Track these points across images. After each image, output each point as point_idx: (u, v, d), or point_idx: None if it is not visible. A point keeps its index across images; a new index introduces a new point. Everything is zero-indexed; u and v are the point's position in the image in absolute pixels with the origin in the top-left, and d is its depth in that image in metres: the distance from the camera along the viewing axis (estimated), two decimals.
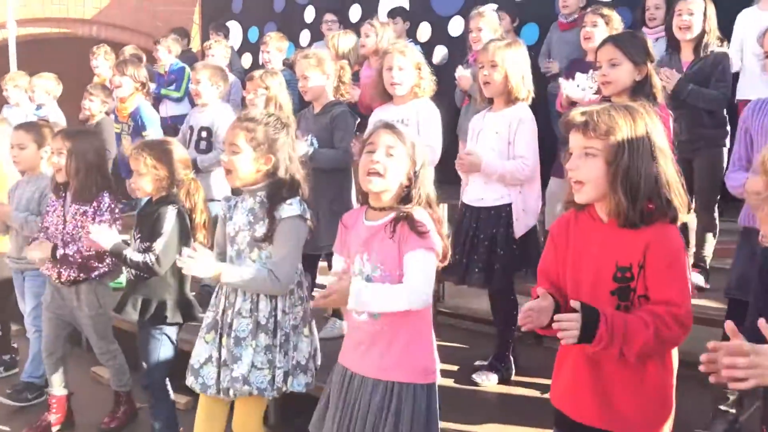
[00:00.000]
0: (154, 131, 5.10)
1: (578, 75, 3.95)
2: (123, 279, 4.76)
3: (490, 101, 3.36)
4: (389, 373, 2.24)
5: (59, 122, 6.15)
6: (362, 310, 2.22)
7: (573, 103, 3.51)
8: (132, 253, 2.99)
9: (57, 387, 3.72)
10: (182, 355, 3.08)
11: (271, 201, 2.58)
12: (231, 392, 2.60)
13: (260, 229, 2.59)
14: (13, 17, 8.35)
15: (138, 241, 3.06)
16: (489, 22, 4.70)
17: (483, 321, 4.15)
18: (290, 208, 2.57)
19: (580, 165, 1.88)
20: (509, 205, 3.27)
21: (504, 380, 3.39)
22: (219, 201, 3.25)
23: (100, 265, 3.46)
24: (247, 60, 8.20)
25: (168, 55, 6.51)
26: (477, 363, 3.53)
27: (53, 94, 6.34)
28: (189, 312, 3.12)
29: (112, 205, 3.43)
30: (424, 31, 6.76)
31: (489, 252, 3.25)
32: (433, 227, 2.22)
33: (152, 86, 6.11)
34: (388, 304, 2.17)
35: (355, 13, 7.23)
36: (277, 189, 2.60)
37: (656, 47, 4.17)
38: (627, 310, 1.86)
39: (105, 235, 2.99)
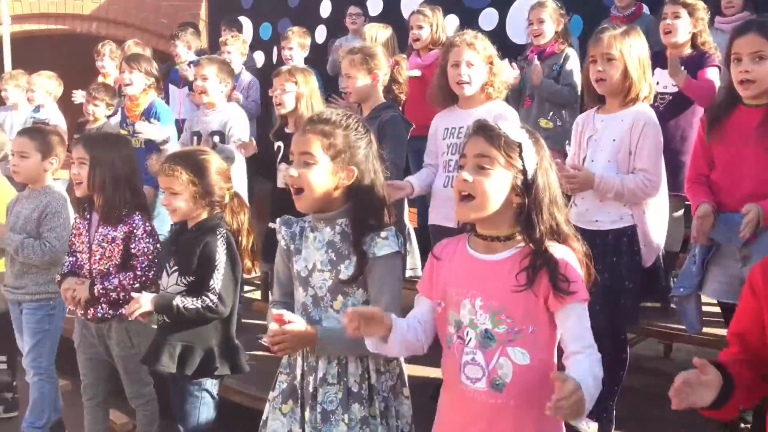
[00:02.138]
0: (169, 129, 4.61)
1: (658, 71, 3.50)
2: None
3: (600, 100, 2.86)
4: None
5: (60, 125, 5.73)
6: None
7: None
8: (185, 301, 2.48)
9: None
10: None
11: (357, 232, 2.04)
12: None
13: (346, 271, 2.04)
14: (7, 12, 7.91)
15: (176, 274, 2.56)
16: (552, 14, 4.28)
17: None
18: (386, 244, 2.02)
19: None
20: (632, 227, 2.77)
21: None
22: None
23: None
24: (259, 58, 7.75)
25: (187, 51, 5.97)
26: None
27: (54, 94, 5.95)
28: (236, 361, 2.61)
29: (150, 228, 2.96)
30: (452, 24, 6.31)
31: (611, 286, 2.74)
32: (579, 272, 1.74)
33: None
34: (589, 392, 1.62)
35: (375, 6, 6.79)
36: (363, 215, 2.05)
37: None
38: None
39: (143, 298, 2.50)
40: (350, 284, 2.05)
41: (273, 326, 1.95)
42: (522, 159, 1.74)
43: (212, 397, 2.61)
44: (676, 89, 3.61)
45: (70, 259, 3.13)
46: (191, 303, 2.47)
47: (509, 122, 1.80)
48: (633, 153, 2.74)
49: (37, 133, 3.53)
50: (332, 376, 2.07)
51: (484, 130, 1.78)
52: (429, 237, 3.33)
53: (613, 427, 2.93)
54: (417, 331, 1.87)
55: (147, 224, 2.99)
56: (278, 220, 2.23)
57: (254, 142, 3.84)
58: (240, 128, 4.15)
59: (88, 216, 3.05)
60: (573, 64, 4.30)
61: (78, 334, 3.19)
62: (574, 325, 1.72)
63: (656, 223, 2.82)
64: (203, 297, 2.47)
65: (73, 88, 6.08)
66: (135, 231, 2.94)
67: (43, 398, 3.48)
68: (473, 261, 1.82)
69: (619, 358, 2.88)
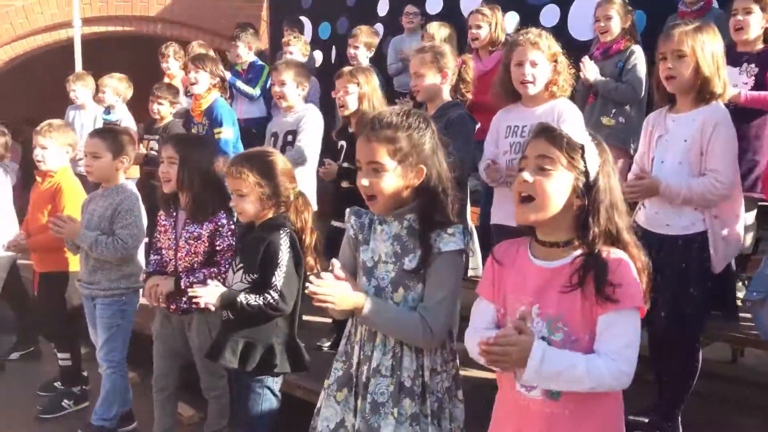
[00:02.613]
0: (230, 130, 4.69)
1: (728, 68, 3.39)
2: None
3: (670, 99, 2.79)
4: None
5: (131, 127, 5.90)
6: (540, 385, 1.68)
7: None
8: (248, 297, 2.53)
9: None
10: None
11: (425, 227, 2.04)
12: None
13: (410, 263, 2.05)
14: (79, 15, 8.12)
15: (241, 271, 2.62)
16: (620, 10, 4.20)
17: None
18: (452, 240, 2.00)
19: None
20: (702, 233, 2.68)
21: None
22: None
23: None
24: (318, 57, 7.81)
25: (248, 52, 6.00)
26: (631, 417, 2.88)
27: (123, 96, 6.10)
28: (299, 360, 2.64)
29: (233, 226, 3.03)
30: (512, 21, 6.23)
31: (678, 291, 2.67)
32: (633, 278, 1.68)
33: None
34: (578, 380, 1.62)
35: (434, 5, 6.75)
36: (431, 211, 2.04)
37: None
38: None
39: (208, 292, 2.56)
40: (413, 276, 2.04)
41: (325, 274, 1.95)
42: (584, 160, 1.72)
43: (274, 394, 2.65)
44: (747, 86, 3.50)
45: (155, 257, 3.22)
46: (254, 300, 2.52)
47: (572, 125, 1.79)
48: (705, 153, 2.65)
49: (108, 133, 3.65)
50: (386, 368, 2.06)
51: (546, 131, 1.76)
52: (491, 236, 3.31)
53: None
54: None
55: (231, 222, 3.07)
56: (348, 210, 2.24)
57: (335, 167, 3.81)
58: (310, 131, 4.19)
59: (174, 214, 3.13)
60: (637, 60, 4.20)
61: (158, 325, 3.28)
62: (613, 332, 1.67)
63: (730, 226, 2.72)
64: (265, 294, 2.52)
65: (140, 88, 6.25)
66: (220, 229, 3.02)
67: (114, 391, 3.60)
68: (532, 268, 1.80)
69: (688, 365, 2.81)
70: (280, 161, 2.67)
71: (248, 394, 2.61)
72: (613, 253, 1.71)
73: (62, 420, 3.99)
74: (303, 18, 8.07)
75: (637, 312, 1.70)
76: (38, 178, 4.05)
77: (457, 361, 2.18)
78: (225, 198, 3.03)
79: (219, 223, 3.03)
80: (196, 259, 3.05)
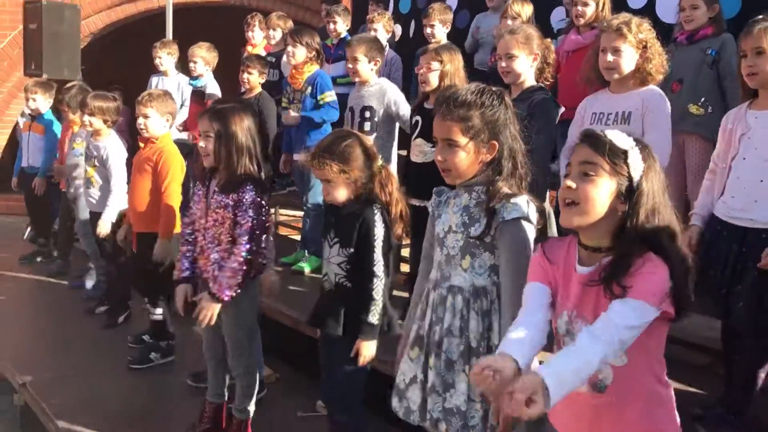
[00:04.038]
0: (332, 93, 4.87)
1: None
2: (305, 264, 4.58)
3: (753, 95, 2.77)
4: None
5: (216, 93, 6.12)
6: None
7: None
8: (374, 307, 2.68)
9: (212, 394, 3.42)
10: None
11: (490, 197, 2.15)
12: (443, 426, 2.20)
13: (475, 231, 2.19)
14: None
15: (337, 246, 2.75)
16: None
17: (706, 350, 3.44)
18: (515, 208, 2.10)
19: None
20: None
21: None
22: None
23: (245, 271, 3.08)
24: (397, 31, 7.83)
25: (343, 26, 6.07)
26: (697, 410, 2.91)
27: (212, 64, 6.27)
28: (390, 326, 2.78)
29: (258, 200, 3.06)
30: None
31: (759, 284, 2.65)
32: (656, 279, 1.68)
33: None
34: (585, 371, 1.62)
35: None
36: (498, 181, 2.16)
37: None
38: None
39: (366, 349, 2.71)
40: (478, 244, 2.17)
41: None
42: (628, 166, 1.74)
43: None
44: None
45: (188, 247, 3.28)
46: (376, 303, 2.67)
47: (616, 131, 1.79)
48: None
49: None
50: (456, 329, 2.20)
51: (589, 138, 1.80)
52: None
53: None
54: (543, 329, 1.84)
55: (257, 196, 3.05)
56: (434, 189, 2.39)
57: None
58: (402, 102, 4.36)
59: (207, 183, 3.21)
60: (733, 50, 4.08)
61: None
62: (615, 308, 1.66)
63: None
64: (373, 282, 2.66)
65: (227, 57, 6.45)
66: (243, 200, 3.02)
67: None
68: (575, 275, 1.84)
69: (761, 360, 2.80)
70: (358, 144, 2.73)
71: (345, 360, 2.74)
72: (647, 256, 1.70)
73: (148, 371, 4.29)
74: None
75: (650, 306, 1.67)
76: (141, 144, 4.28)
77: None
78: (259, 169, 3.12)
79: (243, 196, 3.03)
80: (222, 229, 3.08)
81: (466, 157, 2.18)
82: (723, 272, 2.75)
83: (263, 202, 3.10)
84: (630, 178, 1.74)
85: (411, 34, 7.48)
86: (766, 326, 2.74)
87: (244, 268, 3.04)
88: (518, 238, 2.13)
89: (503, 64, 3.36)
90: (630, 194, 1.73)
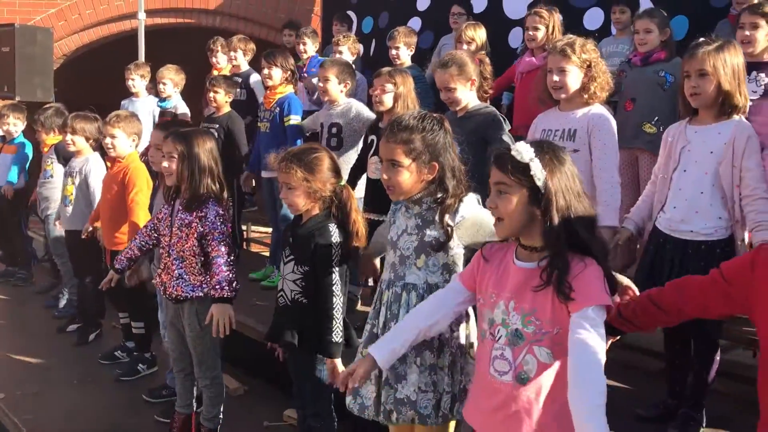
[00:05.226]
0: (298, 118, 5.02)
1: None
2: (276, 279, 4.69)
3: (694, 112, 2.95)
4: None
5: (186, 114, 6.24)
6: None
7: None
8: (336, 325, 2.79)
9: (181, 405, 3.56)
10: None
11: (443, 212, 2.38)
12: (394, 416, 2.35)
13: (431, 233, 2.39)
14: (143, 7, 8.49)
15: (291, 263, 2.86)
16: (660, 24, 4.29)
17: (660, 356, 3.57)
18: (467, 205, 2.36)
19: None
20: (726, 239, 2.84)
21: None
22: None
23: (203, 285, 3.27)
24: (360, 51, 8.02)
25: (312, 47, 6.28)
26: (640, 411, 3.10)
27: (180, 85, 6.38)
28: (349, 339, 2.89)
29: (222, 213, 3.23)
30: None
31: None
32: (594, 279, 1.89)
33: None
34: (600, 384, 1.82)
35: (479, 4, 6.84)
36: (447, 199, 2.38)
37: None
38: None
39: (338, 367, 2.78)
40: (434, 245, 2.38)
41: None
42: (532, 176, 1.92)
43: None
44: (757, 95, 3.61)
45: (140, 240, 3.51)
46: (334, 333, 2.76)
47: (521, 144, 1.99)
48: (739, 167, 2.81)
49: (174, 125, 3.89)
50: None
51: (496, 160, 2.01)
52: None
53: (702, 428, 3.00)
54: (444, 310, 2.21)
55: (220, 210, 3.22)
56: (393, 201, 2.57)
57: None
58: (365, 112, 4.55)
59: (172, 202, 3.35)
60: None
61: (164, 307, 3.56)
62: (585, 325, 1.87)
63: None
64: (330, 311, 2.76)
65: (195, 78, 6.54)
66: (207, 214, 3.18)
67: None
68: (513, 268, 2.03)
69: (710, 360, 2.96)
70: (326, 158, 2.87)
71: (311, 370, 2.87)
72: (578, 257, 1.91)
73: (138, 382, 4.45)
74: (350, 12, 8.25)
75: (603, 308, 1.90)
76: (108, 164, 4.42)
77: (472, 323, 2.42)
78: (221, 188, 3.29)
79: (206, 212, 3.19)
80: (186, 245, 3.22)
81: (409, 177, 2.38)
82: (664, 281, 2.90)
83: (226, 217, 3.26)
84: (536, 186, 1.93)
85: (371, 53, 7.67)
86: (708, 331, 2.93)
87: (233, 258, 3.20)
88: (480, 217, 2.37)
89: (444, 95, 3.57)
90: (541, 198, 1.93)
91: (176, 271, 3.26)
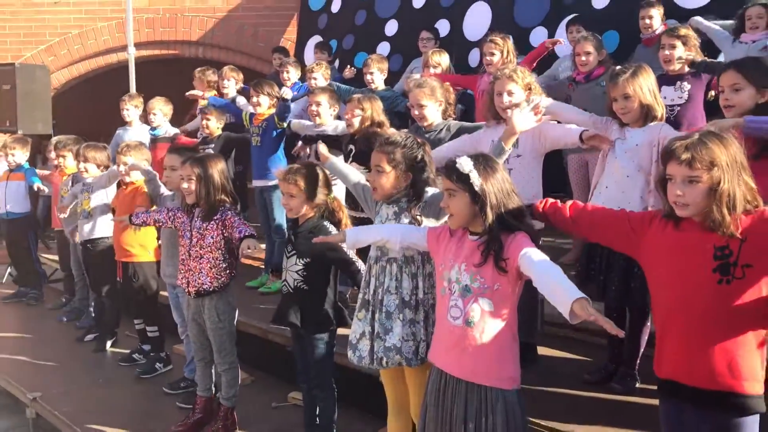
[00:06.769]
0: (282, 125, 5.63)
1: (665, 88, 4.24)
2: (272, 285, 5.34)
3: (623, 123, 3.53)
4: (482, 377, 2.53)
5: (178, 134, 6.84)
6: None
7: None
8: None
9: (202, 389, 4.12)
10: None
11: (414, 200, 3.02)
12: (384, 361, 2.94)
13: (404, 220, 3.01)
14: (133, 42, 8.92)
15: (294, 256, 3.48)
16: (598, 46, 5.08)
17: (592, 333, 4.21)
18: (431, 193, 2.98)
19: (686, 191, 2.21)
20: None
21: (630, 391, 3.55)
22: None
23: (222, 279, 3.86)
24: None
25: (295, 74, 6.90)
26: (587, 375, 3.71)
27: (168, 115, 6.93)
28: (342, 318, 3.51)
29: (237, 213, 3.89)
30: None
31: (625, 269, 3.41)
32: (525, 240, 2.54)
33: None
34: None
35: (443, 27, 7.43)
36: (416, 199, 3.02)
37: None
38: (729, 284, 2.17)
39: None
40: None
41: None
42: (471, 183, 2.55)
43: (331, 344, 3.52)
44: (682, 100, 4.38)
45: (159, 215, 4.18)
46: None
47: (463, 158, 2.63)
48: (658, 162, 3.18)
49: (183, 149, 4.57)
50: (393, 288, 2.98)
51: (445, 169, 2.64)
52: None
53: (637, 383, 3.59)
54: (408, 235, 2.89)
55: (235, 213, 3.86)
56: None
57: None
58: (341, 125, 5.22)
59: (191, 215, 3.94)
60: None
61: (185, 302, 4.10)
62: (529, 251, 2.50)
63: None
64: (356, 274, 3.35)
65: (180, 107, 7.08)
66: (225, 216, 3.81)
67: None
68: (467, 241, 2.65)
69: (641, 327, 3.57)
70: (321, 174, 3.54)
71: (314, 348, 3.48)
72: (511, 234, 2.55)
73: (156, 378, 5.03)
74: (317, 37, 8.81)
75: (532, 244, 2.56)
76: (123, 185, 5.07)
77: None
78: (232, 199, 3.94)
79: (225, 214, 3.83)
80: (206, 242, 3.83)
81: (389, 181, 3.02)
82: (600, 265, 3.54)
83: (240, 216, 3.91)
84: (474, 190, 2.56)
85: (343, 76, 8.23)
86: (635, 301, 3.52)
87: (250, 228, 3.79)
88: (438, 195, 2.94)
89: (416, 112, 4.21)
90: (479, 199, 2.59)
91: (198, 269, 3.86)
